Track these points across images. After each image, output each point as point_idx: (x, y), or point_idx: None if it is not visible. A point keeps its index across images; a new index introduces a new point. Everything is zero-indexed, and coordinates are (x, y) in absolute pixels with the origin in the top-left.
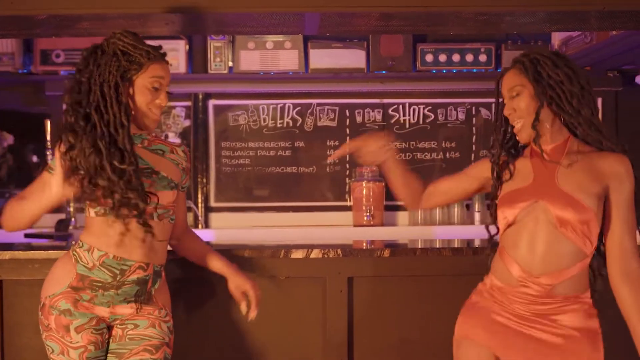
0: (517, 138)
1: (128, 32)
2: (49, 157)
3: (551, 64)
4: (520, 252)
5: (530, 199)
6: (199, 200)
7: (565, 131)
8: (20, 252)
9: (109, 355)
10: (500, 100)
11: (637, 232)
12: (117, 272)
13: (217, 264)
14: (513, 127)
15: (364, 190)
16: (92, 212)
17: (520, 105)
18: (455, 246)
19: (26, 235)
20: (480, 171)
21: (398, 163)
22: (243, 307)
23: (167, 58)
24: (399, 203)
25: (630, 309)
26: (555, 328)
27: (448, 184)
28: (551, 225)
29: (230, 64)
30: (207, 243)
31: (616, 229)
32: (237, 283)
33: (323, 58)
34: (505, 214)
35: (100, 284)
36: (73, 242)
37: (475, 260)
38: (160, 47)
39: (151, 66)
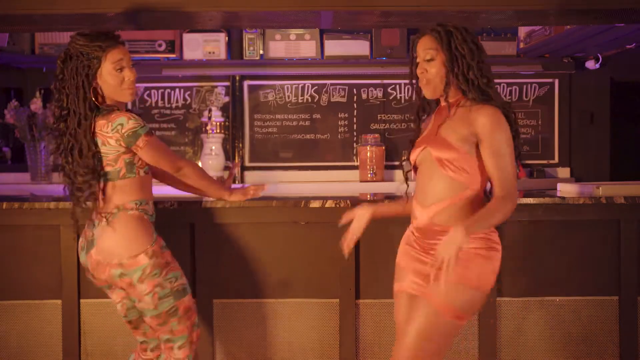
0: (423, 92)
1: (79, 35)
2: None
3: (461, 38)
4: (418, 189)
5: (421, 145)
6: (236, 160)
7: (459, 93)
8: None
9: None
10: (415, 56)
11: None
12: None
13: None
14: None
15: (368, 153)
16: (141, 172)
17: (431, 70)
18: None
19: None
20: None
21: (382, 208)
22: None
23: (208, 48)
24: (396, 163)
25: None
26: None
27: None
28: (434, 165)
29: (261, 51)
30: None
31: (487, 165)
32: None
33: (335, 47)
34: (410, 158)
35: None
36: (121, 205)
37: None
38: (111, 33)
39: (108, 54)
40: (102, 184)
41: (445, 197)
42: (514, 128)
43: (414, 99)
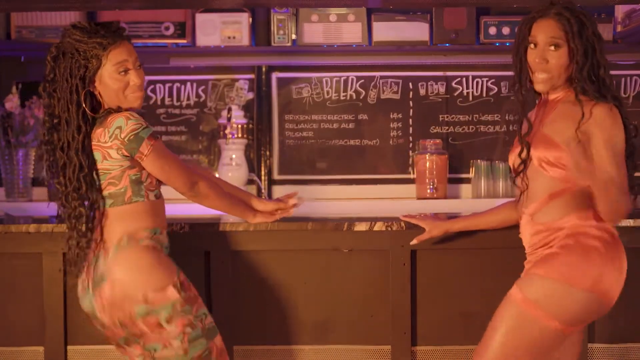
0: (535, 86)
1: (76, 27)
2: None
3: (591, 29)
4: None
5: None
6: (262, 173)
7: (571, 87)
8: None
9: None
10: (527, 39)
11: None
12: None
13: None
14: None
15: (428, 163)
16: (151, 195)
17: (553, 61)
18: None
19: None
20: None
21: (467, 220)
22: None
23: (227, 32)
24: (463, 175)
25: None
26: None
27: None
28: (533, 166)
29: (294, 36)
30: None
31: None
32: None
33: (386, 31)
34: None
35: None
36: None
37: None
38: (115, 26)
39: (110, 54)
40: (101, 211)
41: (545, 194)
42: (630, 142)
43: (508, 88)
